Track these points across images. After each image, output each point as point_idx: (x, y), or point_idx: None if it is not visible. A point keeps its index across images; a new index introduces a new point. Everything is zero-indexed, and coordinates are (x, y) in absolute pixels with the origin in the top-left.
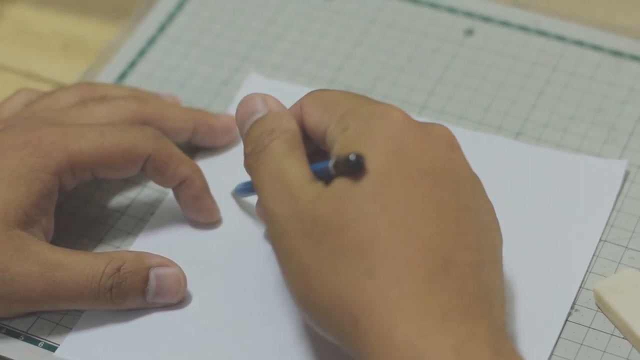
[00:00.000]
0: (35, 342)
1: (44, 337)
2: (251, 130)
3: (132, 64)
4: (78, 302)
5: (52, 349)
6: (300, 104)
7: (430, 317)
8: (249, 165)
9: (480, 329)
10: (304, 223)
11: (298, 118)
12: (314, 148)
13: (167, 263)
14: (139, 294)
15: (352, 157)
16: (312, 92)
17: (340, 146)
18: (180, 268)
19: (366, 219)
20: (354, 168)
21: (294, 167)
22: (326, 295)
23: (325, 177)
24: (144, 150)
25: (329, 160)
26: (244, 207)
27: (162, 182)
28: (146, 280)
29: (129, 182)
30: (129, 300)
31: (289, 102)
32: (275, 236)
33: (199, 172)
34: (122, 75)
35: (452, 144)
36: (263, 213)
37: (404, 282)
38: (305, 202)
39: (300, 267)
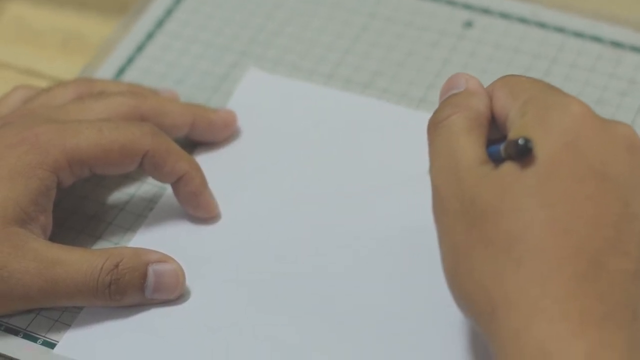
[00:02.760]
0: (34, 339)
1: (43, 334)
2: (442, 103)
3: (130, 60)
4: (77, 298)
5: (52, 345)
6: (492, 87)
7: (568, 320)
8: (428, 134)
9: (617, 339)
10: (463, 203)
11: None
12: (501, 135)
13: (165, 259)
14: (137, 290)
15: (521, 141)
16: (504, 76)
17: (515, 131)
18: (178, 264)
19: (522, 211)
20: (522, 152)
21: (468, 146)
22: (470, 280)
23: (497, 160)
24: (142, 146)
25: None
26: (244, 203)
27: (161, 178)
28: (145, 276)
29: (127, 178)
30: (128, 296)
31: (288, 97)
32: (436, 210)
33: (197, 167)
34: (121, 71)
35: (633, 146)
36: (431, 181)
37: (547, 282)
38: (469, 183)
39: (452, 247)
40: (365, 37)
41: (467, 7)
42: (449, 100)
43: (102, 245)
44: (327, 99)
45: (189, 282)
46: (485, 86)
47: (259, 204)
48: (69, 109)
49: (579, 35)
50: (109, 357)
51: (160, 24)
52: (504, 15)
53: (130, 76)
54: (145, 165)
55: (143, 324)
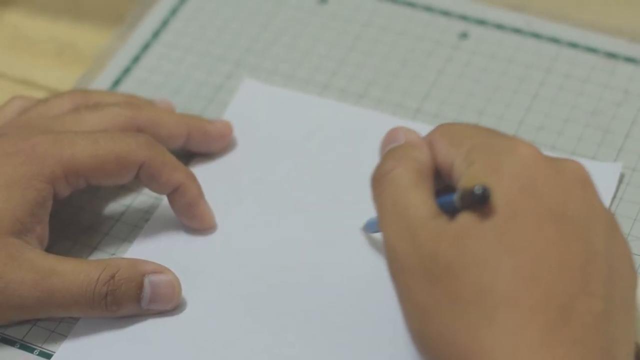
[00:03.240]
0: (30, 349)
1: (40, 345)
2: (383, 157)
3: (126, 70)
4: (73, 309)
5: (48, 356)
6: (430, 138)
7: None
8: (372, 190)
9: None
10: (423, 260)
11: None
12: (445, 185)
13: (161, 270)
14: (133, 301)
15: (477, 190)
16: (440, 125)
17: (466, 180)
18: (174, 275)
19: (487, 262)
20: (480, 201)
21: (418, 200)
22: (440, 339)
23: (450, 212)
24: (138, 157)
25: (454, 194)
26: (241, 214)
27: (157, 189)
28: (141, 287)
29: (123, 189)
30: (124, 307)
31: (283, 107)
32: (393, 271)
33: (193, 178)
34: (117, 82)
35: (584, 182)
36: (383, 244)
37: (521, 332)
38: (426, 238)
39: (416, 306)
40: (361, 47)
41: (463, 17)
42: (390, 153)
43: (98, 256)
44: (322, 109)
45: (184, 293)
46: (479, 93)
47: (255, 214)
48: (65, 120)
49: (573, 46)
50: None
51: (156, 34)
52: (499, 26)
53: (126, 86)
54: (141, 176)
55: (139, 335)
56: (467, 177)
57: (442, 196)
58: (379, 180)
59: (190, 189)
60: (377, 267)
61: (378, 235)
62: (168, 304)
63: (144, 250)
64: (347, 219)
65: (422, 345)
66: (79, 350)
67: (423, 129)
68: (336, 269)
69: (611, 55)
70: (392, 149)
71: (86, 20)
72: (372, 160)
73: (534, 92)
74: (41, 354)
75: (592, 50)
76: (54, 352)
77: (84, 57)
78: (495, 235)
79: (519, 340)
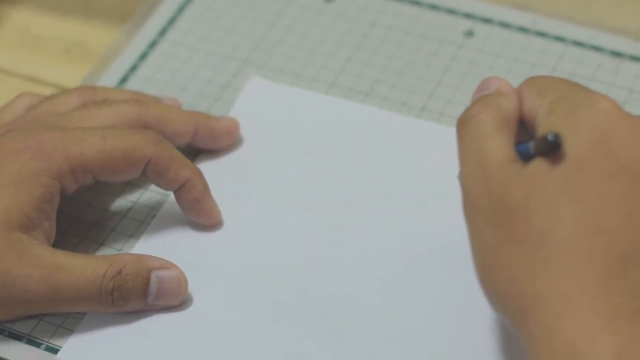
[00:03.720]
0: (37, 344)
1: (46, 340)
2: (472, 102)
3: (133, 68)
4: (80, 304)
5: (55, 351)
6: (520, 88)
7: (599, 315)
8: (457, 132)
9: None
10: (493, 202)
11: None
12: (531, 136)
13: (167, 265)
14: (140, 296)
15: (550, 137)
16: (531, 77)
17: (544, 128)
18: (181, 270)
19: (552, 207)
20: (552, 147)
21: (497, 145)
22: (502, 279)
23: (526, 159)
24: (145, 153)
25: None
26: (247, 211)
27: (163, 185)
28: (147, 282)
29: (130, 185)
30: (131, 302)
31: (289, 105)
32: (466, 209)
33: (199, 174)
34: (124, 79)
35: None
36: (461, 179)
37: (577, 277)
38: (498, 181)
39: (482, 246)
40: (367, 45)
41: (468, 16)
42: (479, 99)
43: (104, 251)
44: (328, 107)
45: (191, 289)
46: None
47: (261, 211)
48: (72, 117)
49: (578, 44)
50: None
51: (163, 32)
52: (505, 25)
53: (133, 84)
54: (148, 172)
55: (145, 330)
56: (545, 125)
57: (521, 144)
58: (463, 124)
59: (196, 185)
60: (383, 263)
61: (385, 232)
62: (174, 299)
63: (150, 246)
64: (353, 215)
65: (485, 282)
66: (86, 345)
67: (429, 127)
68: (342, 265)
69: (616, 54)
70: (482, 96)
71: (94, 19)
72: (378, 157)
73: None
74: (48, 348)
75: (597, 49)
76: (61, 347)
77: (91, 55)
78: (563, 182)
79: (575, 284)
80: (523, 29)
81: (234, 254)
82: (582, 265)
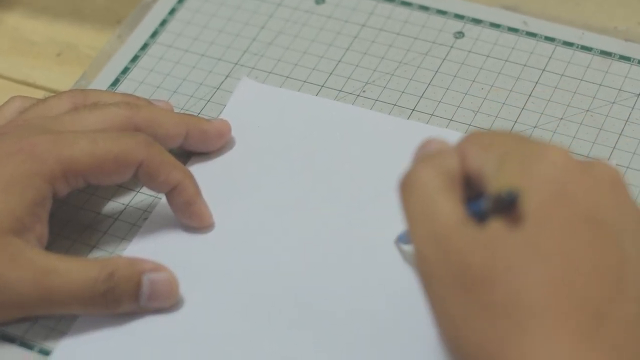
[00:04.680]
0: (30, 347)
1: (40, 342)
2: (413, 162)
3: (125, 71)
4: (72, 307)
5: (48, 353)
6: (461, 144)
7: None
8: (400, 195)
9: None
10: (453, 269)
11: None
12: (476, 193)
13: (159, 268)
14: (132, 298)
15: (505, 195)
16: (472, 133)
17: (496, 184)
18: (172, 273)
19: (518, 272)
20: (508, 205)
21: (447, 205)
22: (471, 345)
23: (479, 218)
24: (136, 156)
25: (483, 199)
26: (238, 213)
27: (155, 188)
28: (139, 285)
29: (122, 188)
30: (123, 305)
31: (280, 107)
32: (423, 277)
33: (191, 177)
34: (115, 82)
35: (615, 184)
36: (412, 248)
37: (550, 342)
38: (455, 246)
39: (447, 314)
40: (357, 47)
41: (459, 17)
42: (420, 159)
43: (97, 254)
44: (319, 108)
45: (183, 291)
46: (475, 92)
47: (253, 213)
48: (64, 120)
49: (568, 44)
50: None
51: (154, 35)
52: (495, 26)
53: (124, 87)
54: (139, 175)
55: (138, 332)
56: (496, 181)
57: (471, 202)
58: (406, 186)
59: (188, 187)
60: (375, 265)
61: (376, 234)
62: (166, 301)
63: (142, 248)
64: (344, 217)
65: (456, 351)
66: (78, 348)
67: (420, 127)
68: (334, 266)
69: (606, 54)
70: (423, 156)
71: (86, 22)
72: (369, 158)
73: (529, 91)
74: (41, 351)
75: (587, 49)
76: (54, 350)
77: (83, 58)
78: (526, 243)
79: (552, 348)
80: (513, 30)
81: (226, 256)
82: (554, 328)
